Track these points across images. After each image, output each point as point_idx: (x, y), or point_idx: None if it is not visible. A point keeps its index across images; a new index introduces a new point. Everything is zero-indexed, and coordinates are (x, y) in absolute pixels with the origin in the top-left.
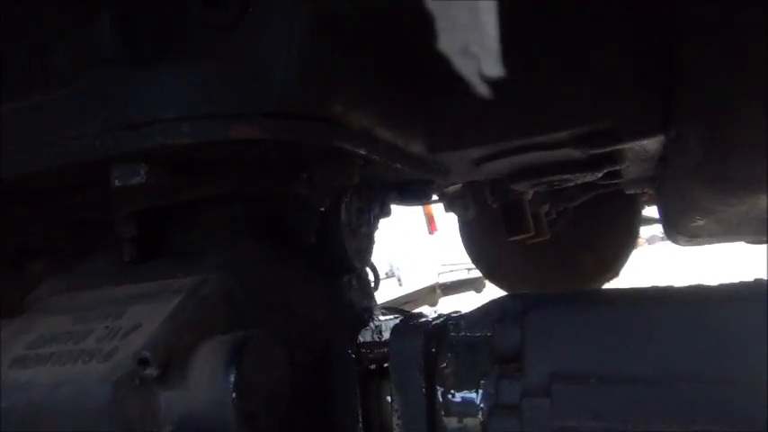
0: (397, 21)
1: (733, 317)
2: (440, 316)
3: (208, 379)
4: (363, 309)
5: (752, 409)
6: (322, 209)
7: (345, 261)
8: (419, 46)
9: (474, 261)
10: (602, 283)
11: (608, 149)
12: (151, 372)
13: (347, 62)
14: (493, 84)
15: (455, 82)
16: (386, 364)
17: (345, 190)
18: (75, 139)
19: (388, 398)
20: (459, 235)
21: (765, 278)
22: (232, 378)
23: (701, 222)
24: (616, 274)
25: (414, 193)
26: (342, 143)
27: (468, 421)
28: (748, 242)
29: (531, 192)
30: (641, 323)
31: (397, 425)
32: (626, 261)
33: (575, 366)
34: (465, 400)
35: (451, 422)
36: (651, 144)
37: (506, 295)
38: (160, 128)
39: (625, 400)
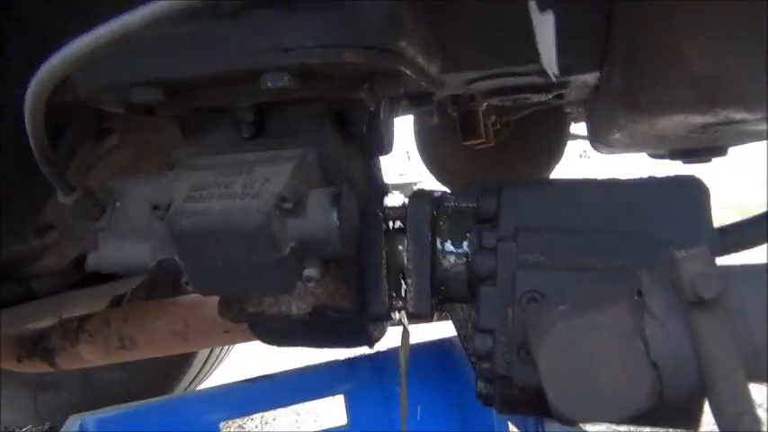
0: None
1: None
2: (437, 191)
3: (320, 213)
4: (383, 182)
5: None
6: (371, 109)
7: (381, 146)
8: None
9: (426, 163)
10: None
11: (560, 80)
12: (288, 206)
13: (408, 12)
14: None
15: (463, 26)
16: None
17: (384, 96)
18: (240, 54)
19: (400, 246)
20: (414, 142)
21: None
22: (335, 213)
23: (617, 136)
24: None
25: (419, 102)
26: (400, 67)
27: (457, 261)
28: (649, 155)
29: (484, 105)
30: (577, 195)
31: (408, 264)
32: (554, 167)
33: (532, 223)
34: (455, 247)
35: (446, 262)
36: (590, 78)
37: (485, 180)
38: (303, 51)
39: (563, 244)
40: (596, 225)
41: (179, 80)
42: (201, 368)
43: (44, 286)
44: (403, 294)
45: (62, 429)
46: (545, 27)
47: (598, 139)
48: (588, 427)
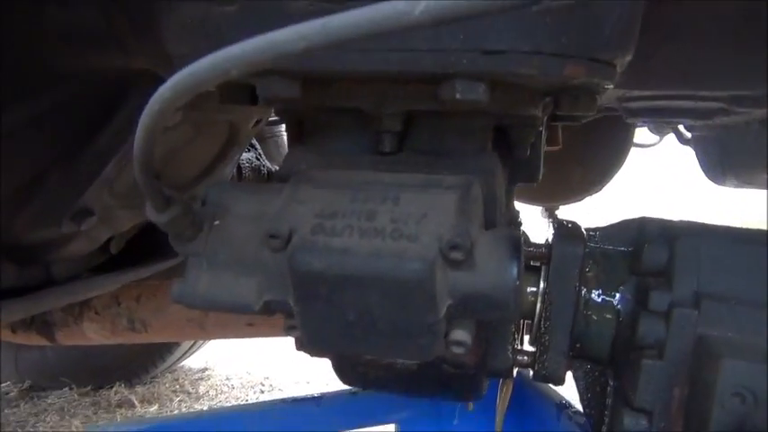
0: None
1: None
2: (584, 227)
3: (495, 266)
4: (517, 212)
5: None
6: (540, 128)
7: (537, 172)
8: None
9: None
10: (585, 195)
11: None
12: (457, 256)
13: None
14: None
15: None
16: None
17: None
18: (425, 52)
19: (532, 288)
20: None
21: None
22: (515, 267)
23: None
24: (599, 190)
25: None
26: (610, 82)
27: (604, 316)
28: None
29: None
30: None
31: (544, 314)
32: (610, 180)
33: (719, 288)
34: (604, 301)
35: (588, 316)
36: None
37: (641, 218)
38: (515, 57)
39: (758, 320)
40: None
41: (328, 75)
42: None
43: (63, 271)
44: (532, 348)
45: None
46: None
47: (732, 172)
48: None
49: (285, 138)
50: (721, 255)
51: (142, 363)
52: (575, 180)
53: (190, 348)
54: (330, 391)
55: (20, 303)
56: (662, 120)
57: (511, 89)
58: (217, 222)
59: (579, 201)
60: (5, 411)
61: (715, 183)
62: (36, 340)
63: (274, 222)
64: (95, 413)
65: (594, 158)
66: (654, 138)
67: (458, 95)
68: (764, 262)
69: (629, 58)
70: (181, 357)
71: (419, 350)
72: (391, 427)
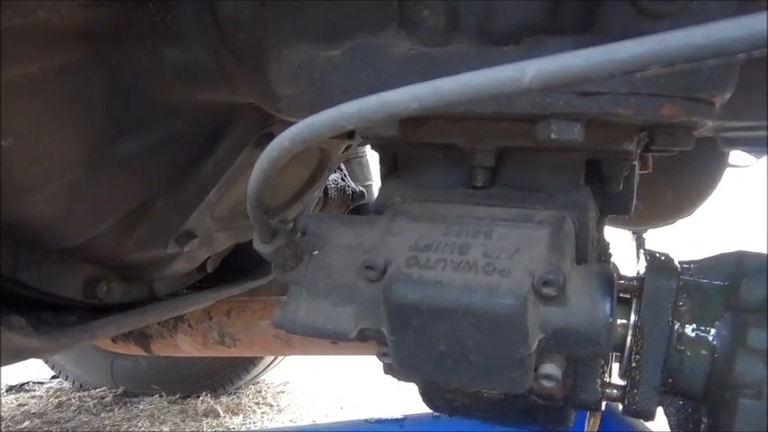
0: None
1: None
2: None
3: (588, 302)
4: (606, 243)
5: None
6: (634, 162)
7: (630, 203)
8: None
9: None
10: (675, 219)
11: None
12: (549, 292)
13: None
14: None
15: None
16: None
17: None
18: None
19: (623, 320)
20: None
21: None
22: (608, 304)
23: None
24: (690, 214)
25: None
26: (708, 119)
27: (700, 353)
28: None
29: None
30: None
31: (635, 348)
32: (701, 204)
33: None
34: (698, 336)
35: (682, 351)
36: None
37: (739, 251)
38: (611, 98)
39: None
40: None
41: (431, 114)
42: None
43: (165, 288)
44: (622, 382)
45: None
46: None
47: None
48: None
49: (368, 158)
50: None
51: (227, 374)
52: (665, 203)
53: (272, 362)
54: (413, 413)
55: (126, 318)
56: (758, 148)
57: (606, 126)
58: (316, 252)
59: (670, 224)
60: (101, 416)
61: None
62: (134, 350)
63: (370, 254)
64: (183, 420)
65: (686, 181)
66: (750, 159)
67: (553, 135)
68: None
69: (728, 95)
70: (264, 370)
71: (509, 383)
72: None
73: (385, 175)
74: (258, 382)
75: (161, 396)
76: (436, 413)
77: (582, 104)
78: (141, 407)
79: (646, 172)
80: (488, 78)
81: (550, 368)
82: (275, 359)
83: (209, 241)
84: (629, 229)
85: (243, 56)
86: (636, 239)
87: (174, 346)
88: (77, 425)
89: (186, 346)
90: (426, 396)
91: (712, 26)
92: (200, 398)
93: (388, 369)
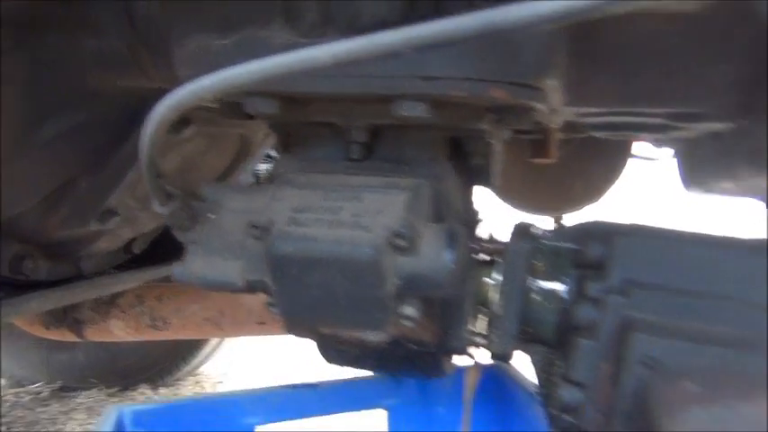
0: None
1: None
2: (536, 227)
3: (434, 252)
4: (476, 212)
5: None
6: (491, 140)
7: (492, 177)
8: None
9: None
10: (584, 206)
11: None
12: (402, 243)
13: (558, 49)
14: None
15: (604, 64)
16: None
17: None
18: (375, 78)
19: (487, 279)
20: None
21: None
22: (450, 254)
23: (728, 185)
24: (598, 200)
25: (526, 132)
26: (539, 103)
27: (549, 303)
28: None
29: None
30: (705, 253)
31: (497, 300)
32: (607, 191)
33: (646, 278)
34: (549, 290)
35: (536, 303)
36: (719, 126)
37: (590, 221)
38: (449, 82)
39: (682, 307)
40: (720, 290)
41: (301, 95)
42: (221, 340)
43: (92, 266)
44: (485, 332)
45: (100, 420)
46: None
47: (697, 181)
48: None
49: None
50: (649, 250)
51: (166, 366)
52: (576, 191)
53: (211, 353)
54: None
55: (53, 293)
56: (619, 133)
57: (458, 107)
58: (211, 215)
59: (581, 210)
60: (37, 410)
61: (687, 190)
62: (67, 336)
63: (257, 215)
64: None
65: (594, 170)
66: (656, 151)
67: (404, 113)
68: (684, 255)
69: (553, 81)
70: (202, 361)
71: (374, 322)
72: (383, 412)
73: (280, 151)
74: (197, 374)
75: (99, 389)
76: (349, 378)
77: (424, 86)
78: (79, 400)
79: (549, 162)
80: (300, 57)
81: (409, 310)
82: (213, 350)
83: (132, 220)
84: (549, 216)
85: (153, 46)
86: (555, 223)
87: (107, 331)
88: (12, 420)
89: (119, 331)
90: (323, 350)
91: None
92: (139, 389)
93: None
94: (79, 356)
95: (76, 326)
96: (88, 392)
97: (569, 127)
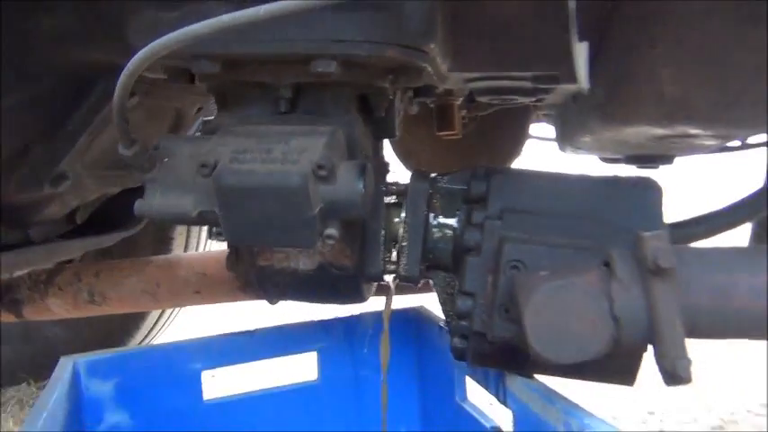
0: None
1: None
2: (433, 173)
3: (349, 181)
4: (386, 161)
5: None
6: (391, 97)
7: (393, 130)
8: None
9: (394, 148)
10: None
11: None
12: (323, 173)
13: (438, 18)
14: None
15: (476, 33)
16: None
17: (404, 87)
18: (297, 41)
19: (396, 218)
20: None
21: None
22: (361, 182)
23: (587, 139)
24: None
25: (424, 94)
26: (426, 64)
27: (446, 233)
28: (605, 157)
29: (460, 99)
30: (556, 185)
31: (403, 233)
32: (513, 162)
33: (516, 205)
34: (445, 223)
35: (436, 234)
36: (573, 88)
37: (476, 166)
38: (353, 44)
39: (541, 224)
40: (570, 211)
41: (238, 56)
42: (150, 331)
43: (40, 234)
44: (395, 259)
45: (56, 369)
46: (581, 53)
47: (567, 139)
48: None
49: None
50: (517, 185)
51: None
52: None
53: (143, 340)
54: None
55: (6, 257)
56: (499, 98)
57: (363, 67)
58: (166, 159)
59: None
60: None
61: (561, 150)
62: (5, 317)
63: (205, 157)
64: None
65: (497, 146)
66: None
67: (320, 69)
68: (541, 187)
69: (434, 45)
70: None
71: (304, 238)
72: (313, 354)
73: (218, 110)
74: None
75: (29, 384)
76: (281, 325)
77: (335, 47)
78: (9, 394)
79: (453, 135)
80: (240, 15)
81: (330, 230)
82: (147, 336)
83: (80, 186)
84: None
85: (106, 20)
86: None
87: (45, 309)
88: None
89: (58, 308)
90: (259, 284)
91: None
92: None
93: (229, 264)
94: (6, 352)
95: (14, 306)
96: (18, 387)
97: (468, 104)
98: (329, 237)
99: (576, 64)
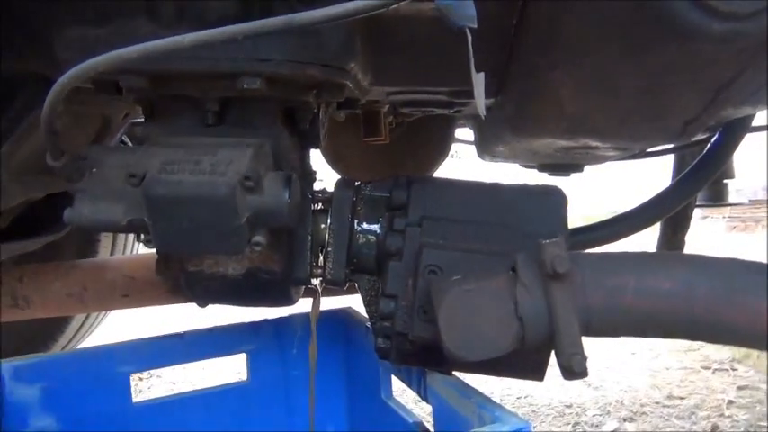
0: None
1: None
2: (357, 181)
3: (275, 191)
4: (312, 170)
5: (511, 241)
6: (314, 110)
7: (317, 140)
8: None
9: (324, 154)
10: None
11: (465, 101)
12: (249, 184)
13: (357, 38)
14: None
15: (394, 52)
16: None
17: (327, 101)
18: (222, 60)
19: (323, 225)
20: None
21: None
22: (287, 192)
23: (501, 149)
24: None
25: (348, 106)
26: (346, 81)
27: (369, 239)
28: (522, 165)
29: (386, 107)
30: (471, 193)
31: (329, 239)
32: (439, 166)
33: (434, 213)
34: (368, 229)
35: (360, 240)
36: (486, 102)
37: (397, 175)
38: (277, 63)
39: (458, 231)
40: (483, 218)
41: (164, 72)
42: (75, 335)
43: None
44: (322, 264)
45: None
46: (479, 82)
47: (484, 149)
48: None
49: None
50: (439, 193)
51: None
52: (408, 169)
53: (68, 344)
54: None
55: None
56: (419, 109)
57: (286, 83)
58: (94, 170)
59: None
60: None
61: (481, 159)
62: None
63: (134, 167)
64: None
65: (423, 151)
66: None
67: (245, 86)
68: (458, 196)
69: (353, 64)
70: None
71: (232, 246)
72: (243, 356)
73: (145, 121)
74: None
75: None
76: (211, 327)
77: (259, 66)
78: None
79: (381, 141)
80: (172, 40)
81: (257, 238)
82: (70, 342)
83: (4, 192)
84: None
85: (33, 35)
86: None
87: None
88: None
89: None
90: (188, 288)
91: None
92: None
93: (158, 269)
94: None
95: None
96: None
97: (394, 110)
98: (257, 244)
99: (476, 93)
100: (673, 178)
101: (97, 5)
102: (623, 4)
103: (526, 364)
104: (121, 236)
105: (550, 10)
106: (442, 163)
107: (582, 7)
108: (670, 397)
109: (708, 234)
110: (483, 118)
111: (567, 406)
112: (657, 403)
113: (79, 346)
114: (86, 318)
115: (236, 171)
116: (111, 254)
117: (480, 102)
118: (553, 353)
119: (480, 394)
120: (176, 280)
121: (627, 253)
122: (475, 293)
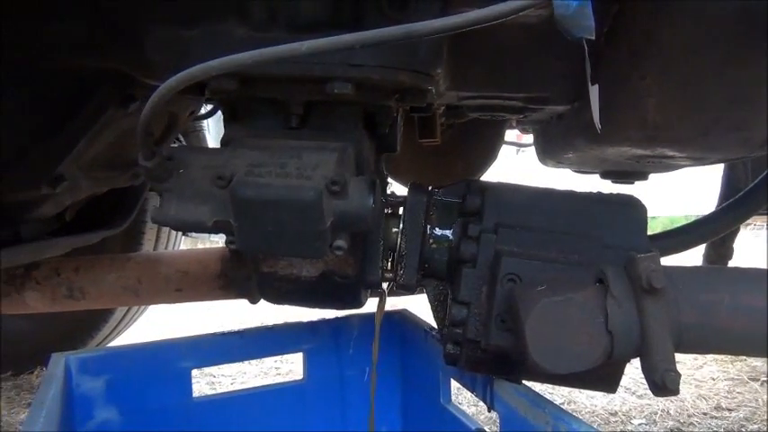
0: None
1: (594, 205)
2: (430, 187)
3: (360, 196)
4: (386, 175)
5: (589, 250)
6: (395, 114)
7: (395, 145)
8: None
9: None
10: None
11: (539, 107)
12: (336, 188)
13: (445, 49)
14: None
15: (475, 59)
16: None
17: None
18: (315, 64)
19: (395, 229)
20: None
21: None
22: (371, 197)
23: (570, 155)
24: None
25: (422, 110)
26: (431, 87)
27: (442, 244)
28: (585, 172)
29: (442, 108)
30: (547, 201)
31: (401, 243)
32: (485, 171)
33: (510, 220)
34: (441, 234)
35: (432, 245)
36: (561, 109)
37: (470, 180)
38: (369, 68)
39: (534, 239)
40: (560, 227)
41: (259, 76)
42: (116, 326)
43: (30, 232)
44: (393, 268)
45: (49, 366)
46: (594, 93)
47: (550, 154)
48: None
49: (206, 132)
50: (514, 200)
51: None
52: (457, 171)
53: (110, 335)
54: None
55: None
56: (490, 113)
57: (373, 88)
58: (181, 170)
59: None
60: None
61: (542, 164)
62: None
63: (221, 169)
64: (18, 394)
65: (473, 153)
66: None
67: (335, 90)
68: (534, 203)
69: (440, 70)
70: (102, 342)
71: (314, 250)
72: (300, 355)
73: (227, 121)
74: None
75: None
76: (270, 326)
77: (351, 71)
78: None
79: (434, 143)
80: (281, 50)
81: (339, 242)
82: (113, 331)
83: (75, 186)
84: None
85: (120, 33)
86: None
87: (22, 303)
88: None
89: (35, 302)
90: (262, 291)
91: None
92: (35, 372)
93: (228, 265)
94: None
95: None
96: None
97: (451, 112)
98: (338, 248)
99: (592, 104)
100: (723, 185)
101: (187, 5)
102: (726, 4)
103: (600, 376)
104: (165, 229)
105: (649, 18)
106: (491, 165)
107: (682, 16)
108: (718, 408)
109: (752, 242)
110: (598, 130)
111: (612, 414)
112: (705, 414)
113: (124, 340)
114: (128, 310)
115: (322, 175)
116: (155, 248)
117: (595, 112)
118: (635, 367)
119: (553, 404)
120: (245, 279)
121: (719, 268)
122: (563, 305)
